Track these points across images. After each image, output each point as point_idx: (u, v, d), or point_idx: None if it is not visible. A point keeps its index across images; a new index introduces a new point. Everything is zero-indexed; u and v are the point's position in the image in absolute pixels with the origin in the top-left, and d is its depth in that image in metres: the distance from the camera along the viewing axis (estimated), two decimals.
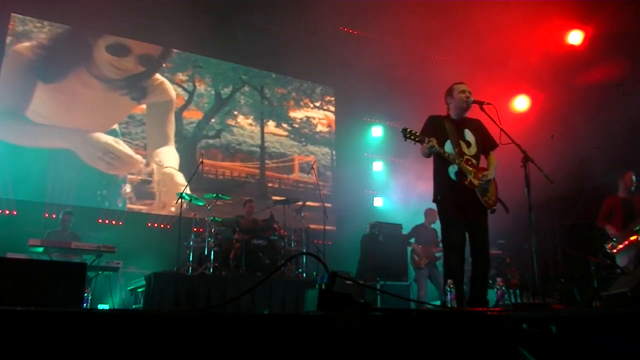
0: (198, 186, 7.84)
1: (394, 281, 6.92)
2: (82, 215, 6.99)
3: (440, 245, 6.97)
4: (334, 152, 10.31)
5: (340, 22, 9.21)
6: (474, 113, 4.14)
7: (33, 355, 1.24)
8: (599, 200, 6.19)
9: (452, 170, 3.90)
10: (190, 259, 6.16)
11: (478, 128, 4.13)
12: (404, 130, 3.77)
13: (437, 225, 6.64)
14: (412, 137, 3.77)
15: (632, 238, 5.58)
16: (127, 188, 8.04)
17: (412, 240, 7.34)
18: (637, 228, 5.55)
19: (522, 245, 7.30)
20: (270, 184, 9.49)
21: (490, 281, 5.82)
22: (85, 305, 4.57)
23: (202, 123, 9.13)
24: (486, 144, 4.13)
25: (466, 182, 3.82)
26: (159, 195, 8.25)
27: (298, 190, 9.47)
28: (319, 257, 2.41)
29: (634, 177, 5.84)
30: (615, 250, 5.70)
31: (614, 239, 5.71)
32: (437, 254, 7.08)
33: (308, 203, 7.46)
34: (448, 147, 3.90)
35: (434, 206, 4.12)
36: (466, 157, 3.91)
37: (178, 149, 8.70)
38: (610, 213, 5.88)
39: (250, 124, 9.62)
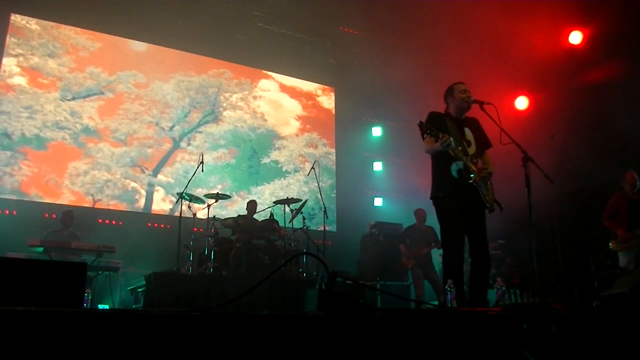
0: (199, 183, 7.82)
1: (394, 281, 6.92)
2: (82, 215, 6.99)
3: (433, 244, 7.04)
4: (334, 152, 10.30)
5: (340, 22, 9.20)
6: (473, 113, 4.14)
7: (33, 355, 1.24)
8: (599, 200, 6.18)
9: (455, 168, 3.88)
10: (190, 259, 6.15)
11: (476, 127, 4.13)
12: (421, 124, 3.71)
13: (433, 224, 6.64)
14: (428, 131, 3.70)
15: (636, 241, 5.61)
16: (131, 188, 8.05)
17: (407, 241, 7.34)
18: None
19: (522, 245, 7.29)
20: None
21: (490, 281, 5.81)
22: (85, 305, 4.57)
23: None
24: (482, 144, 4.14)
25: (471, 181, 3.80)
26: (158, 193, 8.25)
27: (300, 190, 9.41)
28: (319, 257, 2.41)
29: (636, 176, 5.82)
30: (619, 249, 5.71)
31: (619, 238, 5.69)
32: (432, 252, 7.08)
33: (309, 203, 7.45)
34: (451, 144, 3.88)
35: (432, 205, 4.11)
36: (470, 155, 3.91)
37: None
38: (616, 211, 5.85)
39: None
